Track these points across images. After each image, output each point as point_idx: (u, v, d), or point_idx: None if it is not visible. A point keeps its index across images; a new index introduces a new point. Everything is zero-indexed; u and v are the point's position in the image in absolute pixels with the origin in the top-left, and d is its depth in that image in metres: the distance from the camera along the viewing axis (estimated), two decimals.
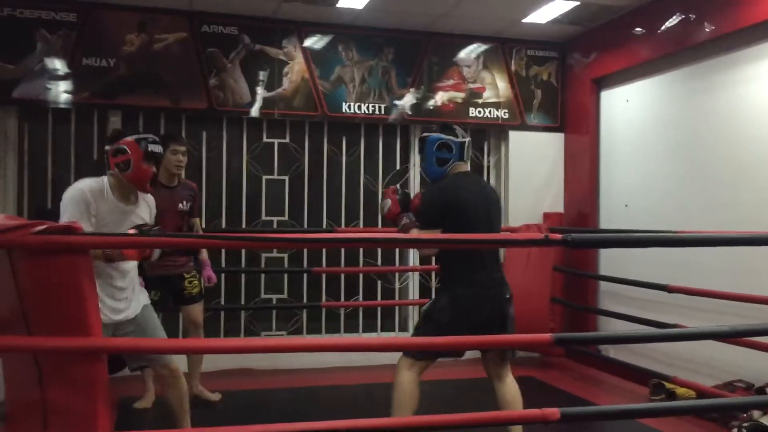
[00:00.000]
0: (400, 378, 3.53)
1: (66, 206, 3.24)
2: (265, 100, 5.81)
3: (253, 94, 5.79)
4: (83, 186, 3.33)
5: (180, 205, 4.60)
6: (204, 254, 4.84)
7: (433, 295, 3.82)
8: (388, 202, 3.77)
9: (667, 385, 4.76)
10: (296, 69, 5.89)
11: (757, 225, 4.29)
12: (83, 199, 3.26)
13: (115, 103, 5.53)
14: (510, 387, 3.51)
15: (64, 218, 3.16)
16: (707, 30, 4.81)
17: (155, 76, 5.56)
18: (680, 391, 4.67)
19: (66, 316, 2.34)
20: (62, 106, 5.43)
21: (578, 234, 2.75)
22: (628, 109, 5.86)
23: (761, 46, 4.52)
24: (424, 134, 3.68)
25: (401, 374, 3.53)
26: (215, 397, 4.74)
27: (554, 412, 2.54)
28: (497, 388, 3.53)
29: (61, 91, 5.38)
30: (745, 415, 4.02)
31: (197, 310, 4.74)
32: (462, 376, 5.57)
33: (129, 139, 3.44)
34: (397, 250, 6.25)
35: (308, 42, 5.91)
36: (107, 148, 3.50)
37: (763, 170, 4.47)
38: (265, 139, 6.05)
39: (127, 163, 3.41)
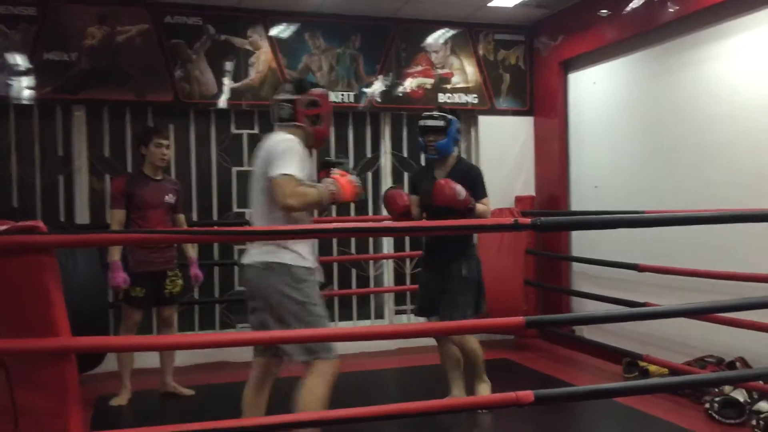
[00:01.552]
0: (471, 344, 4.05)
1: (289, 154, 3.00)
2: (232, 90, 5.75)
3: (220, 85, 5.72)
4: (293, 137, 3.12)
5: (166, 197, 4.58)
6: (190, 251, 4.80)
7: (453, 264, 4.08)
8: (462, 189, 3.90)
9: (640, 363, 4.83)
10: (263, 59, 5.83)
11: (725, 202, 4.35)
12: (300, 150, 3.08)
13: (79, 97, 5.43)
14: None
15: (292, 165, 2.97)
16: (671, 10, 4.85)
17: (119, 69, 5.46)
18: (653, 368, 4.74)
19: (32, 316, 2.30)
20: (24, 102, 5.32)
21: (547, 218, 2.76)
22: (595, 91, 5.90)
23: (723, 25, 4.57)
24: (450, 117, 4.14)
25: (470, 340, 4.06)
26: (188, 392, 4.71)
27: (528, 394, 2.55)
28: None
29: (23, 87, 5.27)
30: (716, 390, 4.09)
31: (172, 311, 4.72)
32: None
33: (320, 91, 3.25)
34: (370, 238, 6.26)
35: (274, 31, 5.85)
36: (295, 98, 3.19)
37: (729, 148, 4.53)
38: (233, 131, 5.99)
39: (318, 116, 3.20)
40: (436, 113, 4.14)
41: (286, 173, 2.96)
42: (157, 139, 4.56)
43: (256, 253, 3.09)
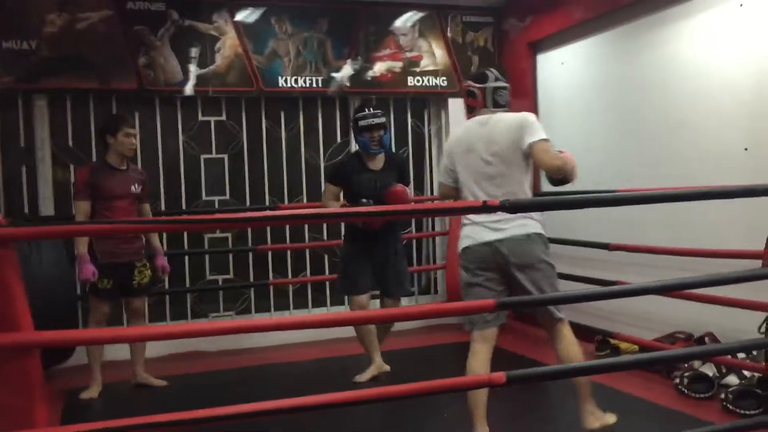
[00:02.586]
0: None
1: (538, 124, 3.26)
2: (198, 77, 5.66)
3: (186, 71, 5.62)
4: None
5: (132, 187, 4.51)
6: (156, 242, 4.72)
7: (398, 244, 4.72)
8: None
9: (612, 341, 4.88)
10: (228, 44, 5.74)
11: (692, 179, 4.38)
12: None
13: (40, 87, 5.31)
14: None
15: (544, 133, 3.23)
16: None
17: (81, 56, 5.34)
18: (624, 345, 4.79)
19: None
20: None
21: (515, 199, 2.77)
22: (564, 71, 5.91)
23: (687, 4, 4.59)
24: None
25: None
26: (161, 383, 4.67)
27: (500, 375, 2.56)
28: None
29: None
30: (686, 365, 4.15)
31: (141, 302, 4.66)
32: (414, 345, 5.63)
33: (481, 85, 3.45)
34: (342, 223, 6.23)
35: (239, 16, 5.76)
36: (507, 85, 3.49)
37: (695, 126, 4.57)
38: (200, 118, 5.91)
39: (472, 108, 3.47)
40: (376, 111, 4.49)
41: (545, 138, 3.22)
42: (126, 128, 4.46)
43: (513, 227, 3.27)
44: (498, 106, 3.42)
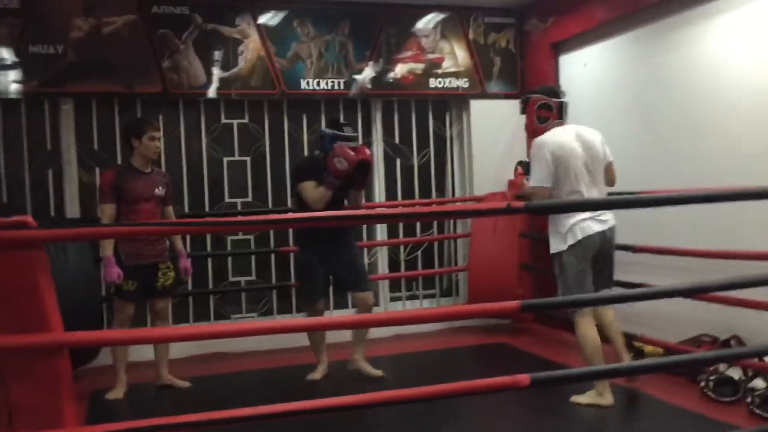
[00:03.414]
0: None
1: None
2: (221, 80, 5.71)
3: (209, 74, 5.68)
4: None
5: (156, 190, 4.56)
6: (179, 244, 4.77)
7: (356, 246, 4.88)
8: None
9: (636, 343, 4.83)
10: (251, 47, 5.78)
11: (716, 180, 4.34)
12: None
13: (66, 91, 5.38)
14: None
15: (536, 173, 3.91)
16: None
17: (106, 61, 5.41)
18: (648, 348, 4.75)
19: (23, 312, 2.29)
20: (11, 96, 5.26)
21: (540, 201, 2.75)
22: (586, 72, 5.88)
23: (712, 4, 4.54)
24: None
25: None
26: (184, 384, 4.70)
27: (524, 378, 2.55)
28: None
29: (10, 81, 5.22)
30: (712, 369, 4.10)
31: (165, 303, 4.70)
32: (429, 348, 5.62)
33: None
34: (364, 225, 6.25)
35: (262, 19, 5.80)
36: (529, 98, 4.13)
37: (719, 126, 4.52)
38: (223, 120, 5.95)
39: (545, 119, 4.03)
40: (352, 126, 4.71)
41: None
42: (151, 131, 4.52)
43: (611, 218, 3.95)
44: (563, 118, 4.09)
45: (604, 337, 4.02)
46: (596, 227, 3.84)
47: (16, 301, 2.28)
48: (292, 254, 5.75)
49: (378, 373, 4.69)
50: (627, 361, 3.99)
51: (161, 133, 4.71)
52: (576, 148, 3.91)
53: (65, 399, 2.33)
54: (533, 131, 4.11)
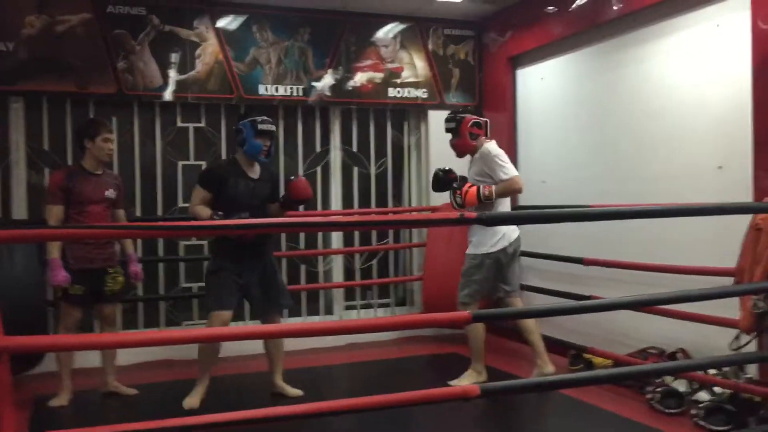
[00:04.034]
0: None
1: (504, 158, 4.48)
2: (177, 83, 5.63)
3: (165, 77, 5.60)
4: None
5: (107, 192, 4.46)
6: (130, 248, 4.67)
7: (273, 258, 4.61)
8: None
9: (585, 355, 4.91)
10: (209, 51, 5.72)
11: (665, 196, 4.44)
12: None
13: (17, 89, 5.25)
14: None
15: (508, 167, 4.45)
16: (615, 8, 4.92)
17: (59, 59, 5.29)
18: (597, 360, 4.82)
19: None
20: None
21: (492, 212, 2.77)
22: (543, 86, 5.96)
23: (664, 23, 4.66)
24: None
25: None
26: (131, 392, 4.61)
27: (474, 388, 2.57)
28: None
29: None
30: (658, 381, 4.18)
31: (113, 309, 4.60)
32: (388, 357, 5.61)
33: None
34: (319, 233, 6.22)
35: (221, 23, 5.75)
36: (463, 117, 4.58)
37: (668, 143, 4.63)
38: (179, 124, 5.87)
39: (477, 136, 4.64)
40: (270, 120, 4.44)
41: None
42: (105, 133, 4.43)
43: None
44: (488, 136, 4.66)
45: (524, 341, 4.66)
46: (516, 233, 4.54)
47: None
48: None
49: (297, 392, 4.48)
50: (544, 364, 4.54)
51: (114, 135, 4.61)
52: None
53: (4, 405, 2.25)
54: (465, 148, 4.62)
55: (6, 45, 5.16)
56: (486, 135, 4.63)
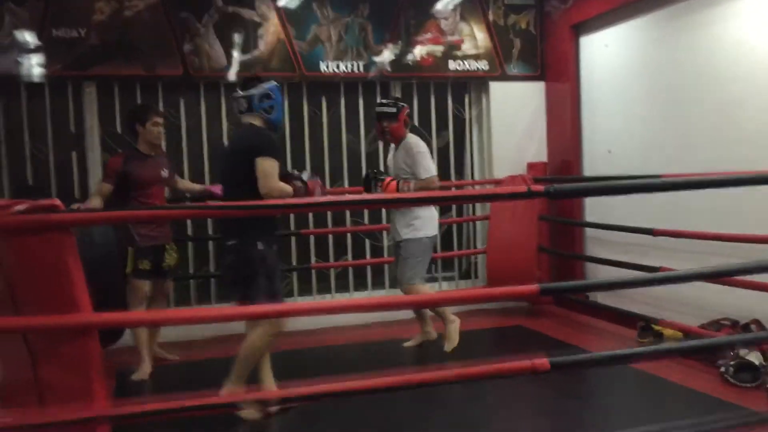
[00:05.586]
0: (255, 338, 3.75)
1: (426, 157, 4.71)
2: (241, 63, 5.72)
3: (229, 57, 5.70)
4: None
5: (162, 172, 4.70)
6: (197, 185, 5.15)
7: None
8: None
9: (655, 327, 4.84)
10: (271, 30, 5.79)
11: (739, 163, 4.31)
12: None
13: (89, 74, 5.43)
14: None
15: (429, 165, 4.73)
16: None
17: (128, 44, 5.45)
18: (667, 332, 4.75)
19: (53, 293, 2.34)
20: (35, 80, 5.32)
21: (560, 185, 2.75)
22: (607, 54, 5.83)
23: None
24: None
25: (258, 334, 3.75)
26: (175, 357, 4.96)
27: (544, 362, 2.57)
28: None
29: (33, 65, 5.27)
30: (731, 353, 4.10)
31: (167, 283, 4.86)
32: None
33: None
34: (383, 209, 6.26)
35: (282, 2, 5.80)
36: (403, 106, 4.85)
37: (744, 108, 4.48)
38: None
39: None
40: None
41: None
42: (155, 117, 4.67)
43: None
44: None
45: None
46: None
47: (46, 282, 2.33)
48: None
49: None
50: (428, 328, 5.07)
51: (163, 119, 4.80)
52: None
53: (95, 379, 2.38)
54: (398, 134, 4.81)
55: (78, 31, 5.33)
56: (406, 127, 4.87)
